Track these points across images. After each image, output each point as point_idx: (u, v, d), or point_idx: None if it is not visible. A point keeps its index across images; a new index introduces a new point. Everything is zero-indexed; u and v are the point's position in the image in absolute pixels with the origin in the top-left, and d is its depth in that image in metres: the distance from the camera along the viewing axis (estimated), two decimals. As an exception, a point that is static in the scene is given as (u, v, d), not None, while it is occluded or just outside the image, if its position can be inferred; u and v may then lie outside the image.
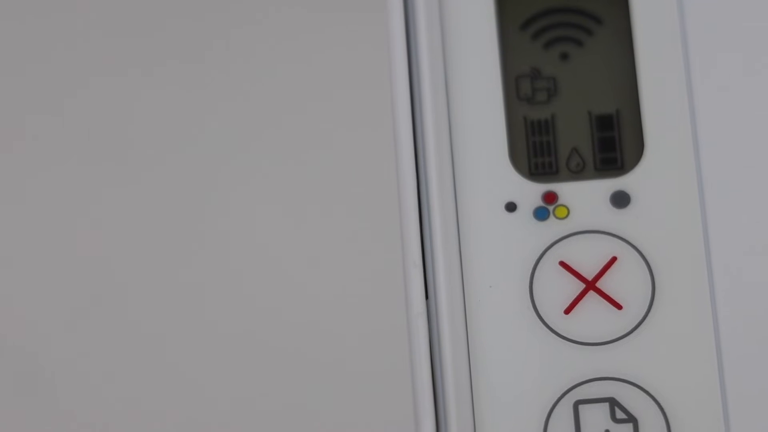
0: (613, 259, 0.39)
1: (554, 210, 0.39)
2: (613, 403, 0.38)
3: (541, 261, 0.39)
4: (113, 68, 0.40)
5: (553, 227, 0.39)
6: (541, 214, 0.39)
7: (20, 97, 0.41)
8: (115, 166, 0.40)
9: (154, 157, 0.40)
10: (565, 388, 0.38)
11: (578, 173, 0.40)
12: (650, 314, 0.39)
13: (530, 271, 0.39)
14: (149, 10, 0.41)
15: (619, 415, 0.38)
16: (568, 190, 0.39)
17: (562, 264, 0.39)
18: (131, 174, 0.40)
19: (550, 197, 0.39)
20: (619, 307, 0.39)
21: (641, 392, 0.38)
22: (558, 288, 0.39)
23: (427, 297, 0.39)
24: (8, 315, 0.39)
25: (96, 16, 0.42)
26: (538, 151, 0.40)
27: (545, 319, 0.39)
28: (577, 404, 0.38)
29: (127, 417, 0.39)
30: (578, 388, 0.38)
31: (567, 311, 0.39)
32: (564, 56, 0.41)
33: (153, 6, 0.40)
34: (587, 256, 0.39)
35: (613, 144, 0.40)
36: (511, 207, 0.39)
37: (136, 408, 0.39)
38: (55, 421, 0.39)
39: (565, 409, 0.38)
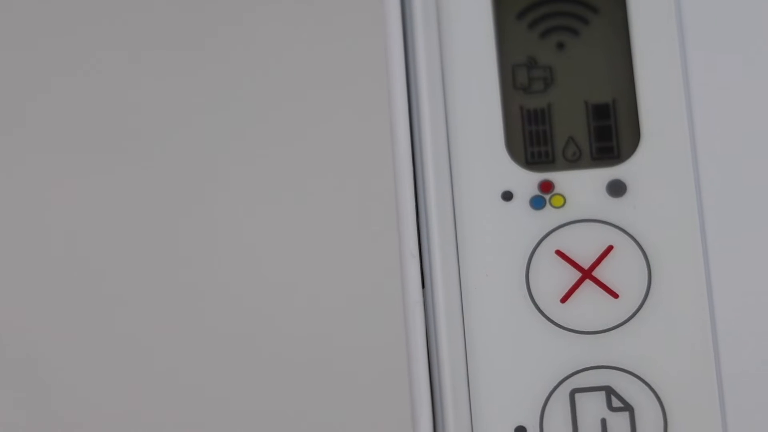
0: (610, 248, 0.39)
1: (551, 199, 0.39)
2: (609, 391, 0.38)
3: (538, 250, 0.39)
4: (104, 56, 0.40)
5: (549, 216, 0.39)
6: (537, 203, 0.39)
7: (5, 85, 0.40)
8: (110, 163, 0.40)
9: (148, 154, 0.40)
10: (562, 377, 0.38)
11: (574, 162, 0.40)
12: (646, 303, 0.39)
13: (527, 260, 0.39)
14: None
15: (616, 403, 0.38)
16: (564, 179, 0.39)
17: (559, 253, 0.39)
18: (127, 173, 0.40)
19: (546, 186, 0.39)
20: (615, 295, 0.39)
21: (637, 380, 0.38)
22: (554, 277, 0.39)
23: (423, 286, 0.39)
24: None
25: (88, 3, 0.42)
26: (534, 140, 0.40)
27: (542, 308, 0.39)
28: (573, 393, 0.38)
29: (122, 421, 0.39)
30: (574, 376, 0.38)
31: (563, 300, 0.39)
32: (560, 45, 0.41)
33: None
34: (584, 245, 0.39)
35: (609, 133, 0.40)
36: (507, 196, 0.39)
37: (132, 412, 0.39)
38: (52, 422, 0.39)
39: (561, 398, 0.38)
